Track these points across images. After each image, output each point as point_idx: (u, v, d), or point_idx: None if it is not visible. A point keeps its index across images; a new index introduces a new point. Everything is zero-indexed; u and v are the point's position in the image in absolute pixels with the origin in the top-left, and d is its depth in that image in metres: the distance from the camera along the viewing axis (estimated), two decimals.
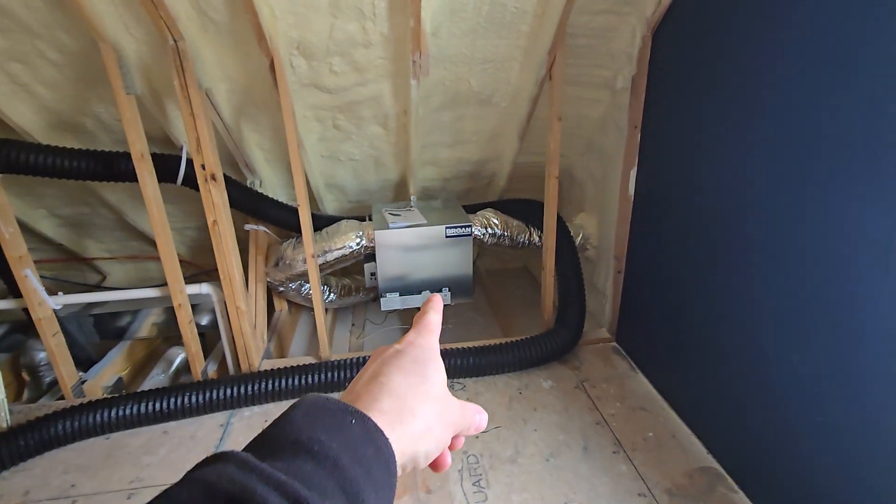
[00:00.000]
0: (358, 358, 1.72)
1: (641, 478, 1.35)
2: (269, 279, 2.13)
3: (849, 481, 1.00)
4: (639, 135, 1.69)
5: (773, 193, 1.14)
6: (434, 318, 0.42)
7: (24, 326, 2.12)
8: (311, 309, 2.55)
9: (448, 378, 1.54)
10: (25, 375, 1.95)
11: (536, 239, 2.18)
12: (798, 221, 1.08)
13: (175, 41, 1.38)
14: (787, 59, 1.07)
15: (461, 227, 1.93)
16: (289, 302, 2.43)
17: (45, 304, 1.64)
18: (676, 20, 1.47)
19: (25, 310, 1.68)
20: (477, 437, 1.51)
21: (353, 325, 2.53)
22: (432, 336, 0.40)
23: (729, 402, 1.33)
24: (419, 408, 0.33)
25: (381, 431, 0.30)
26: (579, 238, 2.17)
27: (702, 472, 1.36)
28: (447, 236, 1.93)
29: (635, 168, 1.74)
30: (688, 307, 1.50)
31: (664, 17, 1.51)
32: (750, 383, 1.25)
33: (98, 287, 2.61)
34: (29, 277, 1.57)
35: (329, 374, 1.68)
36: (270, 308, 2.35)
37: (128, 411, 1.51)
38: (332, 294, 2.37)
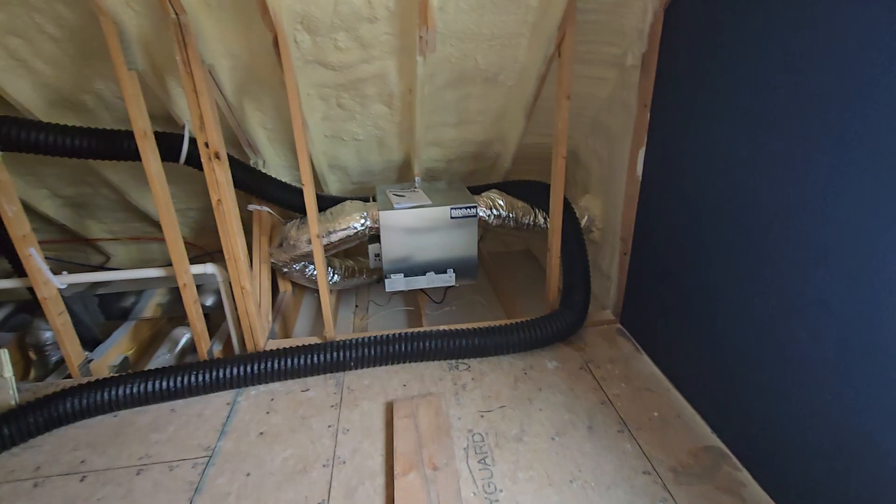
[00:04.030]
0: (362, 339, 1.72)
1: (646, 456, 1.36)
2: (272, 260, 2.13)
3: (856, 462, 1.01)
4: (648, 114, 1.66)
5: (782, 174, 1.12)
6: None
7: (30, 306, 2.13)
8: (315, 290, 2.56)
9: (453, 358, 1.55)
10: (32, 354, 1.96)
11: (542, 221, 2.17)
12: (807, 202, 1.06)
13: (177, 15, 1.34)
14: (804, 39, 1.05)
15: (466, 208, 1.91)
16: (293, 283, 2.42)
17: (50, 284, 1.63)
18: None
19: (31, 289, 1.68)
20: (482, 416, 1.52)
21: (356, 306, 2.54)
22: None
23: (735, 383, 1.34)
24: None
25: None
26: (584, 220, 2.15)
27: (706, 450, 1.37)
28: (452, 217, 1.92)
29: (644, 148, 1.72)
30: (694, 288, 1.49)
31: None
32: (756, 364, 1.25)
33: (102, 268, 2.61)
34: (33, 256, 1.57)
35: (334, 354, 1.68)
36: (275, 289, 2.36)
37: (136, 389, 1.52)
38: (335, 275, 2.37)
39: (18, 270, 1.71)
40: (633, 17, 1.62)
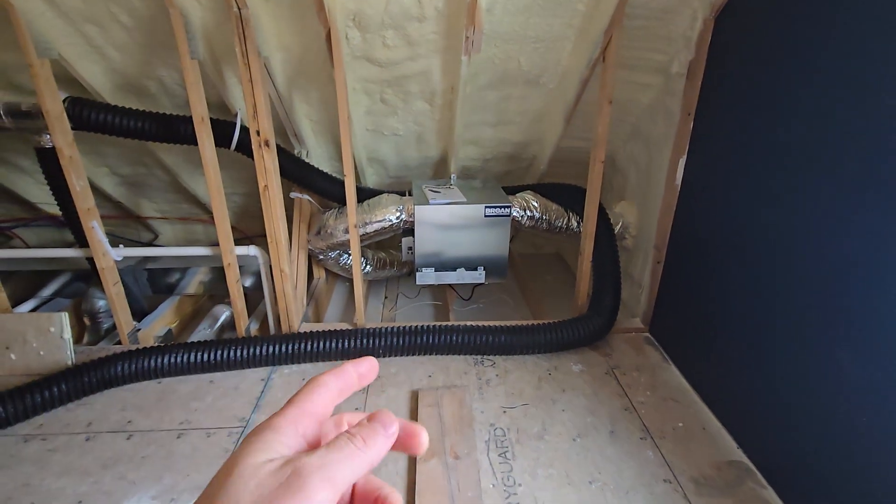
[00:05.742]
0: (392, 328, 1.77)
1: (668, 465, 1.35)
2: (310, 247, 2.21)
3: (890, 488, 0.98)
4: (692, 122, 1.65)
5: (830, 190, 1.10)
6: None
7: (87, 275, 2.29)
8: (347, 279, 2.64)
9: (479, 354, 1.56)
10: (86, 320, 2.11)
11: (574, 224, 2.17)
12: (856, 218, 1.04)
13: (239, 9, 1.42)
14: (858, 55, 1.02)
15: (500, 207, 1.94)
16: (326, 271, 2.51)
17: (108, 255, 1.75)
18: (741, 5, 1.41)
19: (90, 259, 1.81)
20: (504, 411, 1.54)
21: (385, 297, 2.60)
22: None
23: (766, 400, 1.32)
24: None
25: None
26: (618, 226, 2.14)
27: (730, 465, 1.35)
28: (486, 216, 1.94)
29: (685, 157, 1.70)
30: (727, 301, 1.47)
31: (728, 0, 1.45)
32: (790, 382, 1.23)
33: (152, 244, 2.76)
34: (95, 229, 1.69)
35: (363, 341, 1.74)
36: (310, 275, 2.44)
37: (179, 359, 1.62)
38: (368, 266, 2.43)
39: (80, 241, 1.84)
40: (682, 24, 1.61)
